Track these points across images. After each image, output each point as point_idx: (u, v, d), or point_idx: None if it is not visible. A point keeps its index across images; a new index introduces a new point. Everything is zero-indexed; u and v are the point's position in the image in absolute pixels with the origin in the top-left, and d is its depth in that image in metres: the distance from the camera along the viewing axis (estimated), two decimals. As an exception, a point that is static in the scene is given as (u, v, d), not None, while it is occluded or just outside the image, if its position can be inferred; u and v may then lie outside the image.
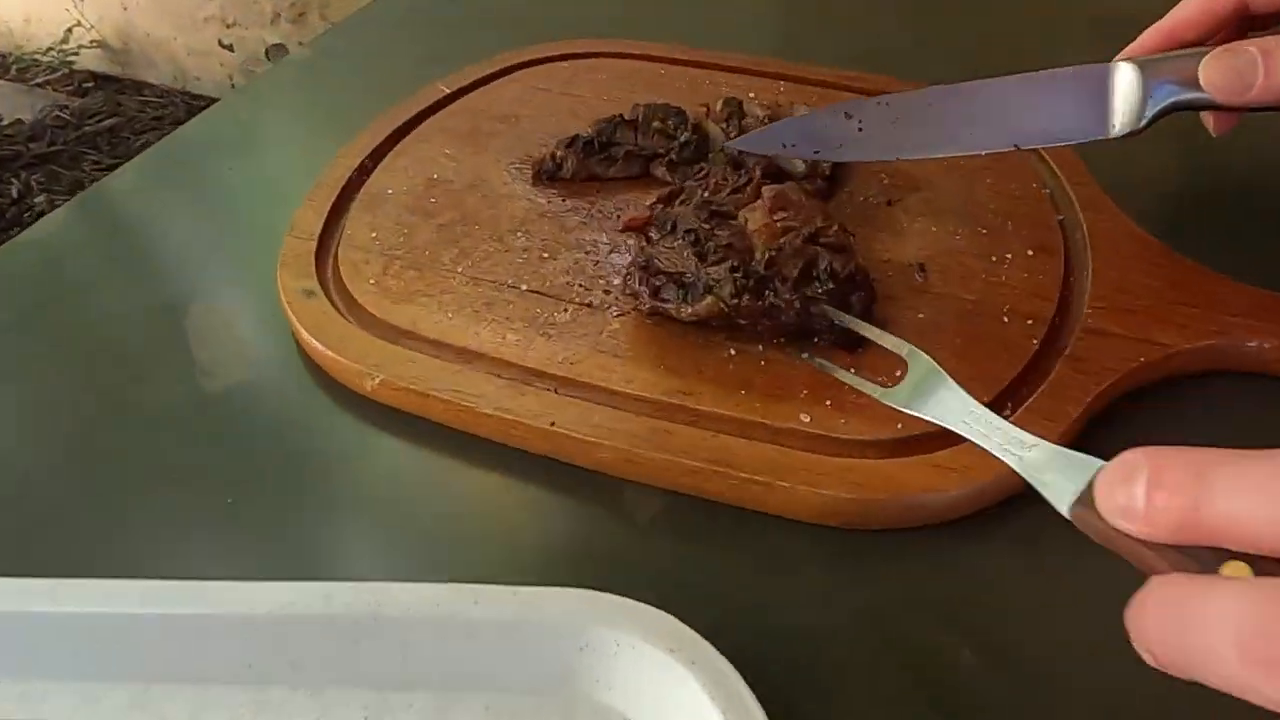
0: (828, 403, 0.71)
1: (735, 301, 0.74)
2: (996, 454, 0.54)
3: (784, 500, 0.66)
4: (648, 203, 0.87)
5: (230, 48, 3.69)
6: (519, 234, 0.87)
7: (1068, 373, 0.72)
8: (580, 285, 0.82)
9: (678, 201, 0.85)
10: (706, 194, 0.85)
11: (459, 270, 0.83)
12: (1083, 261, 0.84)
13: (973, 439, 0.57)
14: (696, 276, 0.77)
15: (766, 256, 0.76)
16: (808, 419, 0.70)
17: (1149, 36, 0.77)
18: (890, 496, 0.65)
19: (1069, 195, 0.90)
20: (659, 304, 0.77)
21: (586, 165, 0.93)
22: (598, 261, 0.84)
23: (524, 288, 0.81)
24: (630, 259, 0.82)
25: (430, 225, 0.88)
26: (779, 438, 0.69)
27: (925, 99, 0.79)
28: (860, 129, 0.79)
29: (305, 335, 0.79)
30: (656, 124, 0.96)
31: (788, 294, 0.73)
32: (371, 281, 0.82)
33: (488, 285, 0.82)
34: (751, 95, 1.05)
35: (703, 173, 0.89)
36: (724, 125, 0.94)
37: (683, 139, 0.94)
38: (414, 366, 0.75)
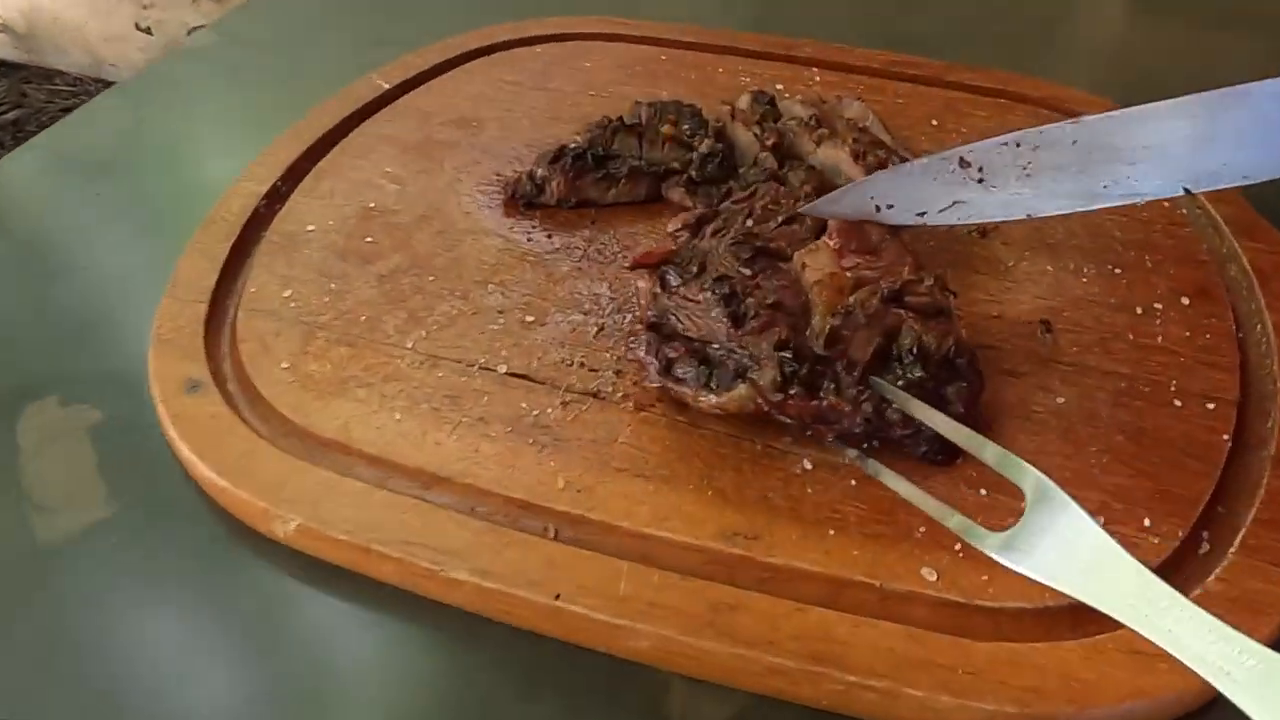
0: (957, 548, 0.48)
1: (779, 396, 0.51)
2: (1191, 665, 0.35)
3: (915, 713, 0.44)
4: (671, 228, 0.64)
5: (148, 31, 3.36)
6: (491, 288, 0.64)
7: (1284, 486, 0.51)
8: (581, 363, 0.58)
9: (709, 231, 0.62)
10: (750, 222, 0.62)
11: (409, 345, 0.60)
12: (1252, 308, 0.63)
13: (1147, 634, 0.37)
14: (727, 350, 0.54)
15: (828, 327, 0.53)
16: (933, 575, 0.47)
17: None
18: (1075, 711, 0.43)
19: (1212, 217, 0.69)
20: (671, 384, 0.54)
21: (578, 187, 0.70)
22: (602, 326, 0.61)
23: (502, 369, 0.58)
24: (640, 312, 0.59)
25: (367, 277, 0.64)
26: (896, 608, 0.47)
27: (1065, 135, 0.56)
28: (981, 178, 0.57)
29: (186, 452, 0.54)
30: (667, 129, 0.72)
31: (854, 387, 0.51)
32: (285, 365, 0.58)
33: (450, 367, 0.58)
34: (779, 87, 0.82)
35: (744, 193, 0.66)
36: (757, 130, 0.71)
37: (704, 149, 0.70)
38: (346, 503, 0.51)
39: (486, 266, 0.65)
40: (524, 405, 0.56)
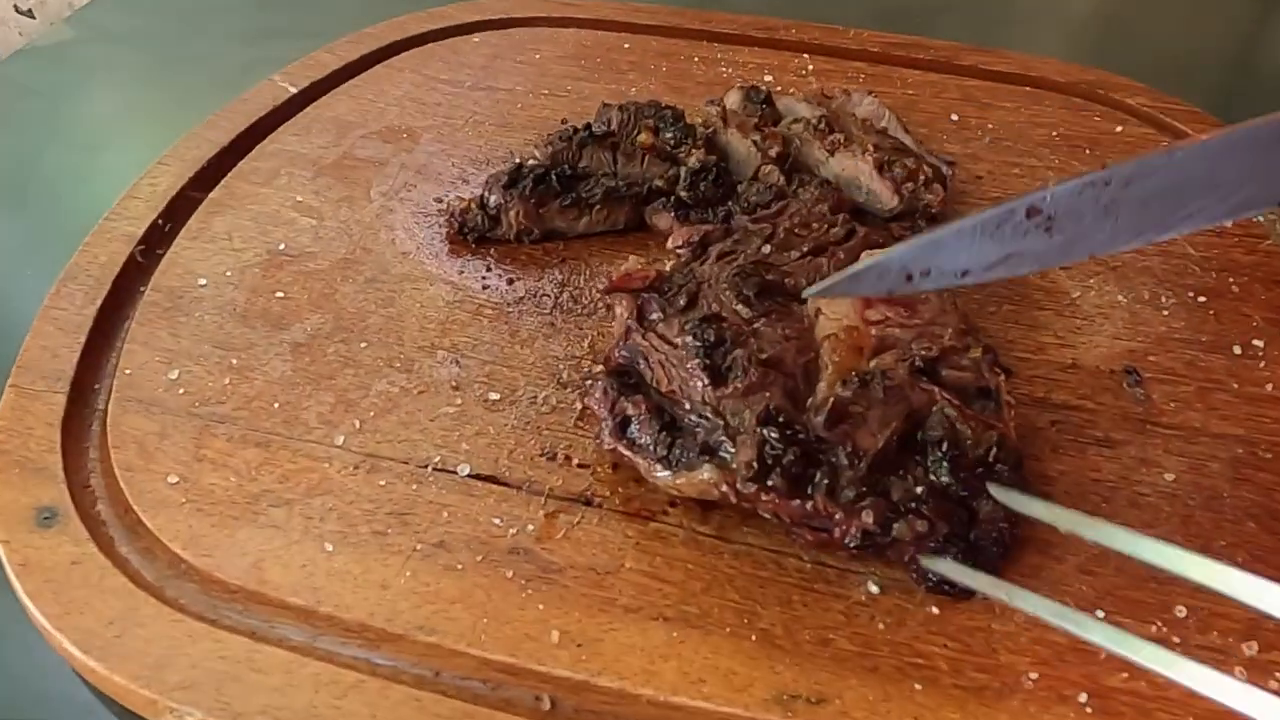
0: (1082, 699, 0.37)
1: (752, 488, 0.40)
2: None
3: None
4: (672, 244, 0.51)
5: (29, 13, 3.08)
6: (442, 355, 0.50)
7: None
8: (565, 457, 0.45)
9: (715, 253, 0.50)
10: (768, 249, 0.50)
11: (339, 442, 0.46)
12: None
13: None
14: (699, 415, 0.42)
15: (834, 398, 0.42)
16: (1059, 746, 0.36)
17: None
18: None
19: (1292, 224, 0.59)
20: (623, 449, 0.43)
21: (541, 217, 0.56)
22: (585, 406, 0.48)
23: (463, 470, 0.45)
24: (608, 353, 0.47)
25: (279, 347, 0.50)
26: (1016, 797, 0.35)
27: (1163, 164, 0.43)
28: (1049, 227, 0.44)
29: (38, 616, 0.40)
30: (645, 138, 0.59)
31: (855, 486, 0.40)
32: (173, 479, 0.44)
33: (395, 471, 0.45)
34: (769, 79, 0.70)
35: (771, 210, 0.53)
36: (757, 138, 0.58)
37: (694, 163, 0.57)
38: (263, 683, 0.38)
39: (434, 325, 0.51)
40: (496, 521, 0.43)
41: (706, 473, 0.41)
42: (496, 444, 0.46)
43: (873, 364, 0.44)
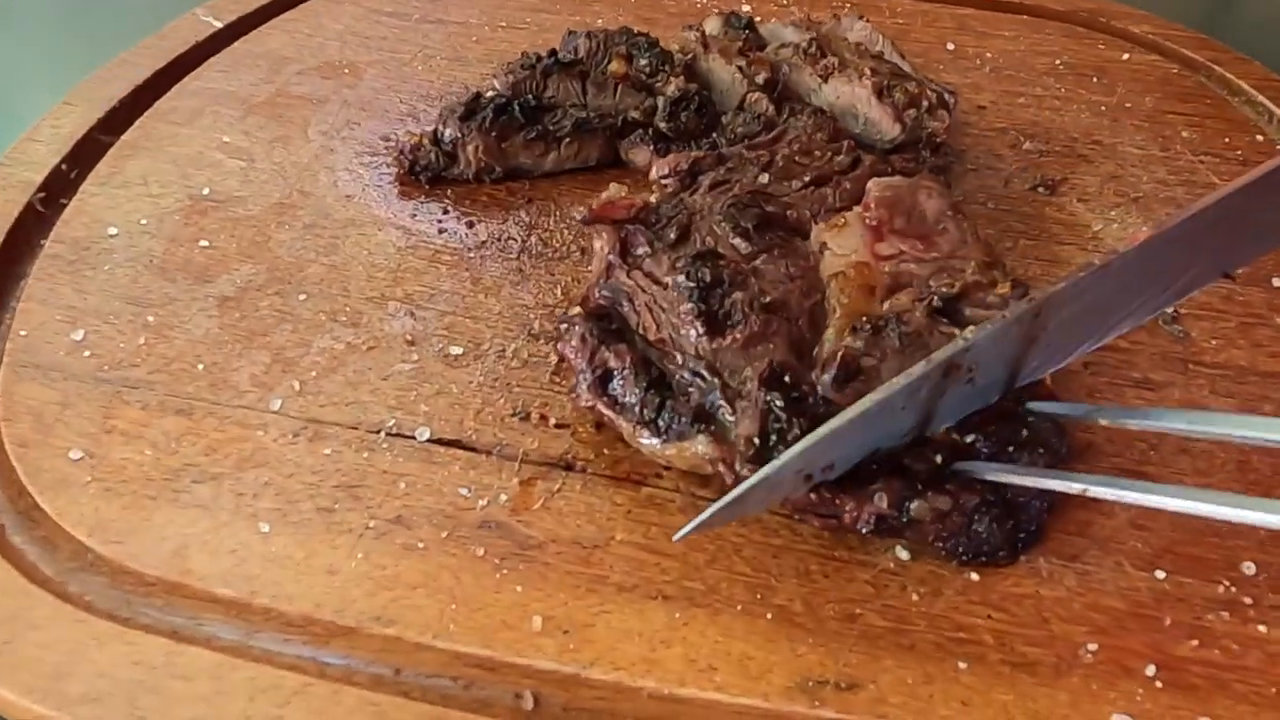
0: (1149, 671, 0.32)
1: (752, 468, 0.34)
2: None
3: None
4: (655, 174, 0.46)
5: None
6: (394, 306, 0.44)
7: None
8: (540, 416, 0.39)
9: (706, 183, 0.44)
10: (766, 177, 0.44)
11: (275, 407, 0.39)
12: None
13: None
14: (692, 372, 0.37)
15: (843, 351, 0.36)
16: (1130, 728, 0.31)
17: None
18: None
19: (1316, 150, 0.55)
20: (603, 408, 0.37)
21: (504, 152, 0.50)
22: (561, 356, 0.41)
23: (423, 434, 0.39)
24: (584, 296, 0.41)
25: (203, 303, 0.43)
26: (1085, 790, 0.30)
27: (1084, 287, 0.36)
28: (971, 378, 0.37)
29: (-89, 622, 0.33)
30: (617, 66, 0.53)
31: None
32: (77, 455, 0.37)
33: (342, 438, 0.38)
34: (747, 9, 0.64)
35: (768, 134, 0.47)
36: (742, 64, 0.52)
37: (672, 92, 0.51)
38: (188, 693, 0.31)
39: (383, 275, 0.45)
40: (463, 492, 0.37)
41: (701, 445, 0.35)
42: (460, 404, 0.40)
43: (886, 305, 0.39)
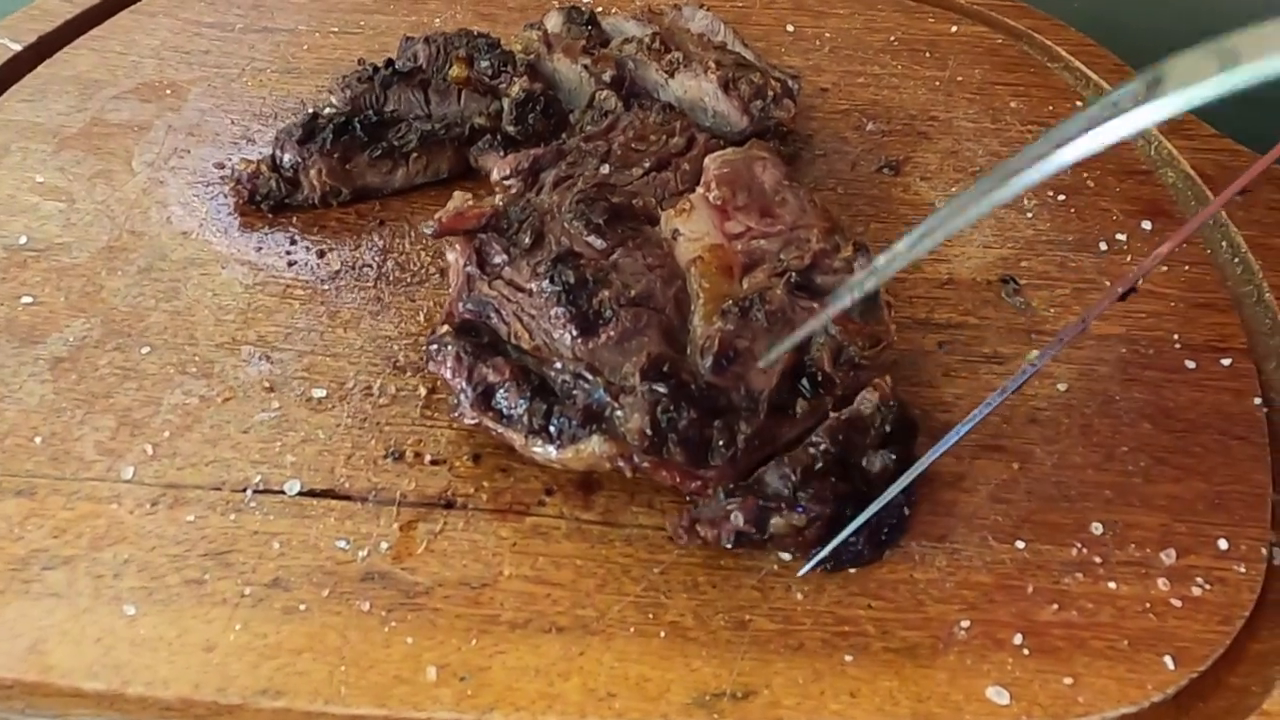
0: (1018, 641, 0.34)
1: (651, 460, 0.35)
2: None
3: None
4: (496, 176, 0.45)
5: None
6: (248, 351, 0.42)
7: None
8: (415, 454, 0.39)
9: (550, 180, 0.44)
10: (607, 168, 0.44)
11: (127, 476, 0.37)
12: (1210, 221, 0.52)
13: None
14: (574, 375, 0.37)
15: (716, 338, 0.37)
16: (1005, 697, 0.33)
17: None
18: None
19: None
20: (490, 423, 0.37)
21: (348, 174, 0.48)
22: (434, 386, 0.40)
23: (293, 488, 0.37)
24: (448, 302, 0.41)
25: (32, 367, 0.40)
26: (968, 763, 0.32)
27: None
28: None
29: None
30: (457, 71, 0.51)
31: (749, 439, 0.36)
32: (-95, 554, 0.34)
33: (205, 501, 0.37)
34: (586, 0, 0.63)
35: (598, 127, 0.47)
36: (587, 62, 0.52)
37: (517, 94, 0.50)
38: (63, 802, 0.30)
39: (232, 317, 0.43)
40: (341, 544, 0.36)
41: (596, 445, 0.35)
42: (329, 450, 0.38)
43: (745, 285, 0.40)
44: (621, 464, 0.36)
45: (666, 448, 0.35)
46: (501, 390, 0.37)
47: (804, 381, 0.37)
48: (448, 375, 0.38)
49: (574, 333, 0.37)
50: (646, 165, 0.45)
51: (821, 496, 0.35)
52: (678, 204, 0.43)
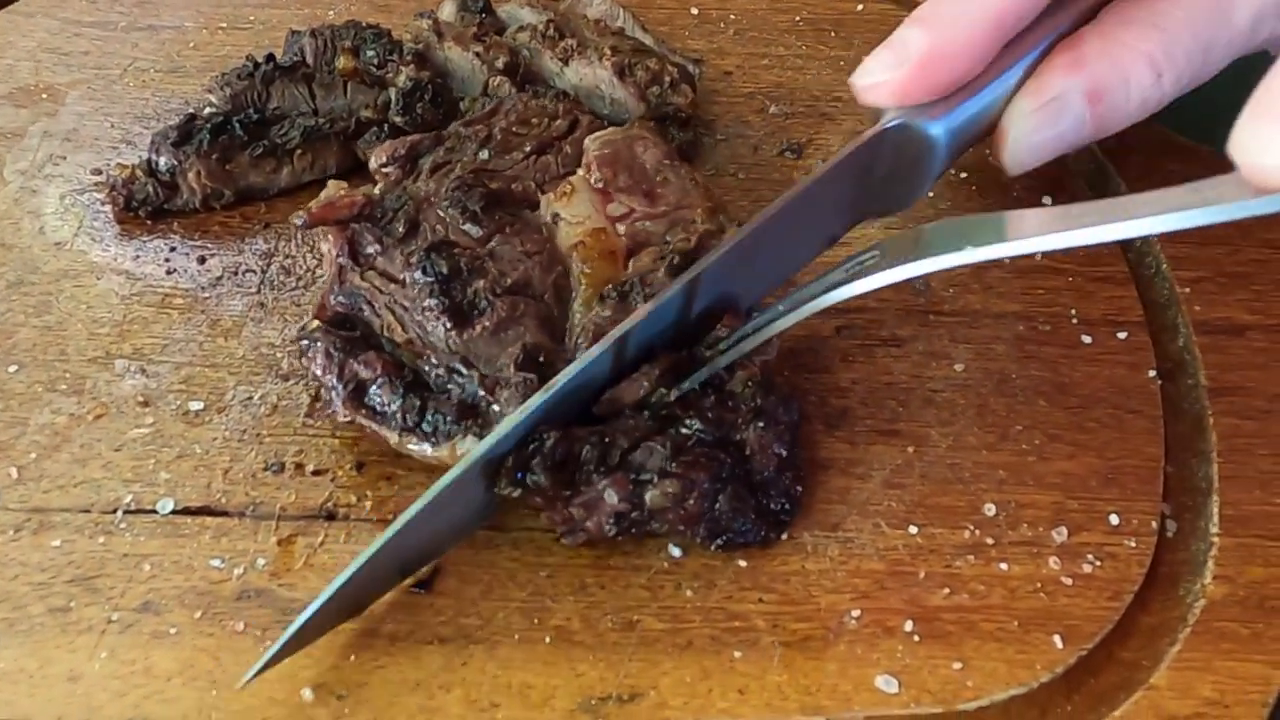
0: (909, 628, 0.34)
1: (518, 485, 0.34)
2: None
3: None
4: (374, 163, 0.44)
5: None
6: (122, 365, 0.40)
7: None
8: (297, 465, 0.37)
9: (427, 166, 0.43)
10: (486, 154, 0.43)
11: (-11, 501, 0.36)
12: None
13: None
14: (448, 369, 0.37)
15: (592, 326, 0.37)
16: (894, 685, 0.33)
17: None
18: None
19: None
20: (364, 420, 0.36)
21: (229, 174, 0.46)
22: (317, 392, 0.39)
23: (166, 507, 0.36)
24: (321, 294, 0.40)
25: (-108, 390, 0.38)
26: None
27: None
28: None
29: None
30: (344, 62, 0.50)
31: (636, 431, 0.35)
32: None
33: (72, 524, 0.35)
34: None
35: (481, 111, 0.46)
36: (479, 51, 0.50)
37: (404, 82, 0.49)
38: None
39: (107, 330, 0.41)
40: (215, 564, 0.34)
41: (471, 443, 0.35)
42: (206, 465, 0.37)
43: (630, 268, 0.39)
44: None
45: (531, 476, 0.33)
46: (374, 387, 0.36)
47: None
48: (318, 372, 0.37)
49: (447, 325, 0.37)
50: (528, 149, 0.44)
51: (696, 464, 0.34)
52: (558, 188, 0.42)
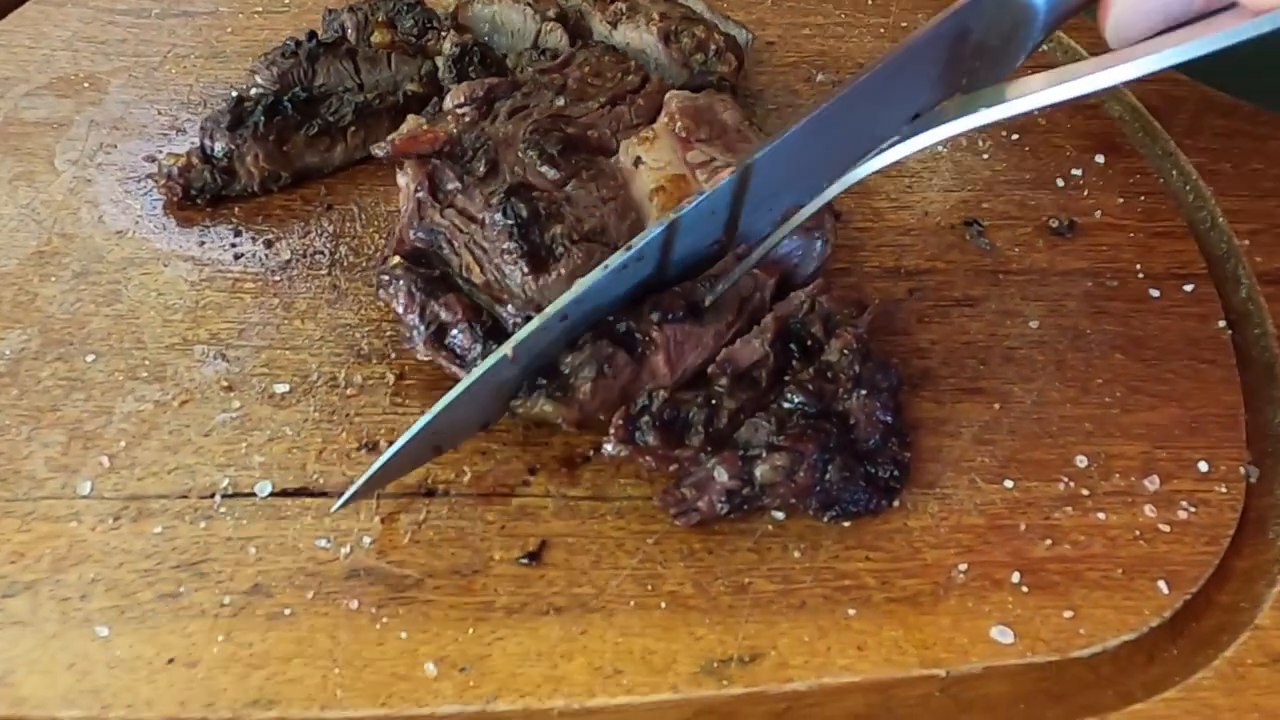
0: (1016, 579, 0.34)
1: (624, 449, 0.34)
2: None
3: None
4: (450, 103, 0.43)
5: None
6: (201, 350, 0.40)
7: None
8: (388, 445, 0.37)
9: (504, 110, 0.43)
10: (562, 100, 0.44)
11: (85, 491, 0.35)
12: (1158, 151, 0.53)
13: None
14: (525, 318, 0.37)
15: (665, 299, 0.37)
16: (1009, 636, 0.33)
17: None
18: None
19: (1072, 48, 0.58)
20: (444, 362, 0.37)
21: (286, 156, 0.46)
22: (402, 372, 0.39)
23: (264, 489, 0.35)
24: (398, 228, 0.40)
25: (-30, 383, 0.38)
26: (970, 692, 0.32)
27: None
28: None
29: None
30: (381, 36, 0.49)
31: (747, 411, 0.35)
32: None
33: (171, 510, 0.35)
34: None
35: (563, 58, 0.47)
36: (531, 3, 0.50)
37: (450, 49, 0.48)
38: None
39: (180, 316, 0.41)
40: (322, 543, 0.34)
41: (547, 408, 0.35)
42: (299, 447, 0.37)
43: None
44: (568, 428, 0.35)
45: (640, 434, 0.34)
46: (455, 330, 0.36)
47: (793, 345, 0.37)
48: (399, 310, 0.37)
49: (524, 269, 0.37)
50: (602, 100, 0.44)
51: (802, 436, 0.34)
52: (640, 132, 0.42)
